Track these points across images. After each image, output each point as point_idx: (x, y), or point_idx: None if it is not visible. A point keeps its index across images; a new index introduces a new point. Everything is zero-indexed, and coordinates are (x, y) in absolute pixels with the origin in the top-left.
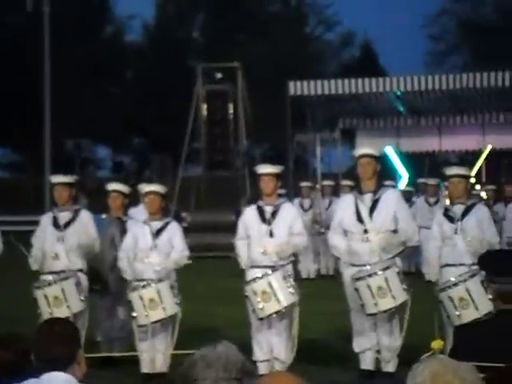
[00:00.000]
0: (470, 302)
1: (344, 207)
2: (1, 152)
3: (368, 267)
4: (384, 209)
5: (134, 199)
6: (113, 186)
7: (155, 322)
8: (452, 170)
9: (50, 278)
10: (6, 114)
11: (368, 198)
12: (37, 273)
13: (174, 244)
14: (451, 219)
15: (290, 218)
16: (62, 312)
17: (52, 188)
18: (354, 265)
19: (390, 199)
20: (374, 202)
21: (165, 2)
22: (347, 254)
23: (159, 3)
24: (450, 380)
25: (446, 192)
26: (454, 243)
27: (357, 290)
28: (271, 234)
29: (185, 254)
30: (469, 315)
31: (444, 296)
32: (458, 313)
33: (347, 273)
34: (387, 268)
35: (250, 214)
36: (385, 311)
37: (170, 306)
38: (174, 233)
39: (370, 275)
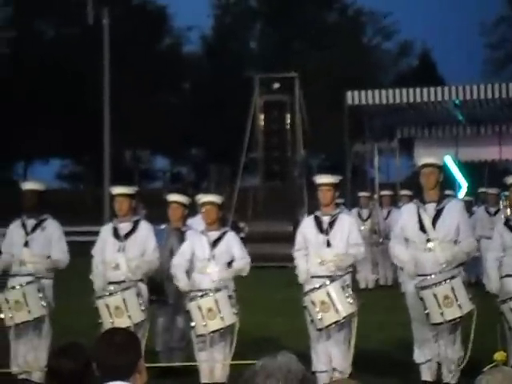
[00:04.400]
0: None
1: (406, 216)
2: (61, 163)
3: (433, 276)
4: (448, 219)
5: (192, 210)
6: (173, 197)
7: (213, 331)
8: None
9: (110, 287)
10: (67, 126)
11: (431, 207)
12: None
13: (234, 253)
14: None
15: (348, 227)
16: (123, 322)
17: (112, 199)
18: (416, 274)
19: (454, 210)
20: (438, 212)
21: (222, 13)
22: (410, 264)
23: (217, 14)
24: None
25: (507, 202)
26: None
27: (422, 299)
28: (328, 244)
29: (247, 261)
30: None
31: (505, 307)
32: None
33: (409, 282)
34: (453, 277)
35: (307, 224)
36: (450, 321)
37: (227, 315)
38: (232, 242)
39: (435, 284)
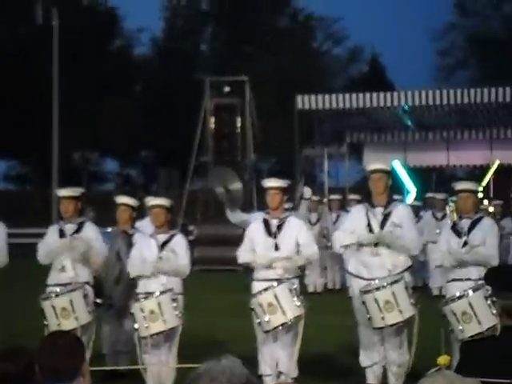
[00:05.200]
0: (473, 316)
1: (355, 218)
2: (9, 164)
3: (377, 281)
4: (395, 223)
5: (140, 213)
6: (121, 200)
7: (155, 334)
8: (461, 185)
9: (57, 289)
10: (15, 127)
11: (379, 211)
12: (43, 285)
13: (177, 254)
14: (458, 234)
15: (296, 230)
16: (69, 324)
17: (58, 201)
18: (363, 278)
19: (402, 215)
20: (385, 216)
21: (173, 15)
22: (344, 245)
23: (168, 16)
24: None
25: (453, 207)
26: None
27: (364, 303)
28: (277, 248)
29: (186, 264)
30: (471, 329)
31: (447, 310)
32: (460, 327)
33: (356, 286)
34: (395, 282)
35: (255, 227)
36: (391, 325)
37: (170, 318)
38: (178, 244)
39: (377, 289)
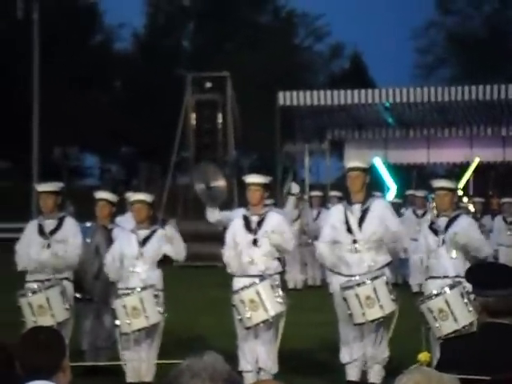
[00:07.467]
0: (449, 313)
1: (334, 217)
2: None
3: (357, 277)
4: (373, 219)
5: (121, 208)
6: (100, 195)
7: (137, 330)
8: (438, 183)
9: (34, 286)
10: None
11: (357, 208)
12: (22, 280)
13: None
14: (436, 232)
15: (275, 224)
16: (46, 320)
17: (38, 196)
18: (342, 274)
19: (378, 209)
20: (363, 213)
21: (155, 11)
22: (333, 264)
23: (149, 12)
24: None
25: (434, 204)
26: (439, 256)
27: (345, 299)
28: (257, 244)
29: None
30: (448, 327)
31: (424, 308)
32: (437, 325)
33: (336, 282)
34: (376, 278)
35: (236, 223)
36: (372, 321)
37: (152, 314)
38: (162, 240)
39: (358, 284)
